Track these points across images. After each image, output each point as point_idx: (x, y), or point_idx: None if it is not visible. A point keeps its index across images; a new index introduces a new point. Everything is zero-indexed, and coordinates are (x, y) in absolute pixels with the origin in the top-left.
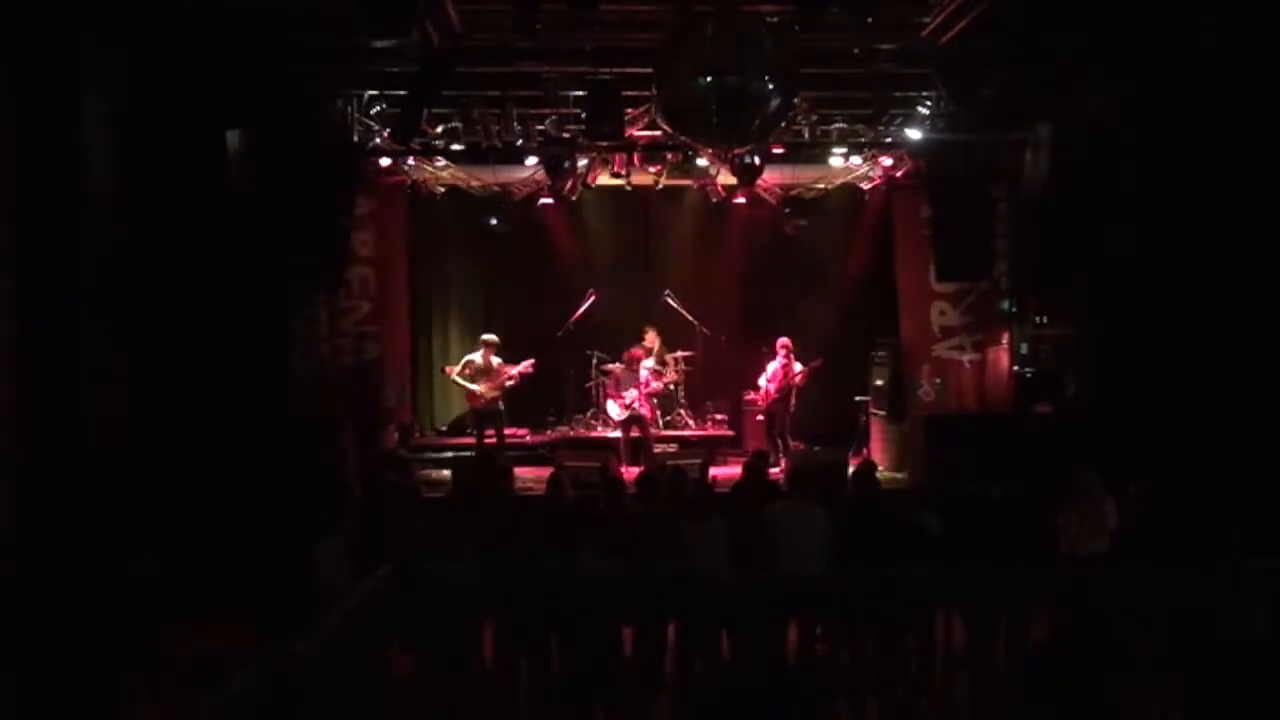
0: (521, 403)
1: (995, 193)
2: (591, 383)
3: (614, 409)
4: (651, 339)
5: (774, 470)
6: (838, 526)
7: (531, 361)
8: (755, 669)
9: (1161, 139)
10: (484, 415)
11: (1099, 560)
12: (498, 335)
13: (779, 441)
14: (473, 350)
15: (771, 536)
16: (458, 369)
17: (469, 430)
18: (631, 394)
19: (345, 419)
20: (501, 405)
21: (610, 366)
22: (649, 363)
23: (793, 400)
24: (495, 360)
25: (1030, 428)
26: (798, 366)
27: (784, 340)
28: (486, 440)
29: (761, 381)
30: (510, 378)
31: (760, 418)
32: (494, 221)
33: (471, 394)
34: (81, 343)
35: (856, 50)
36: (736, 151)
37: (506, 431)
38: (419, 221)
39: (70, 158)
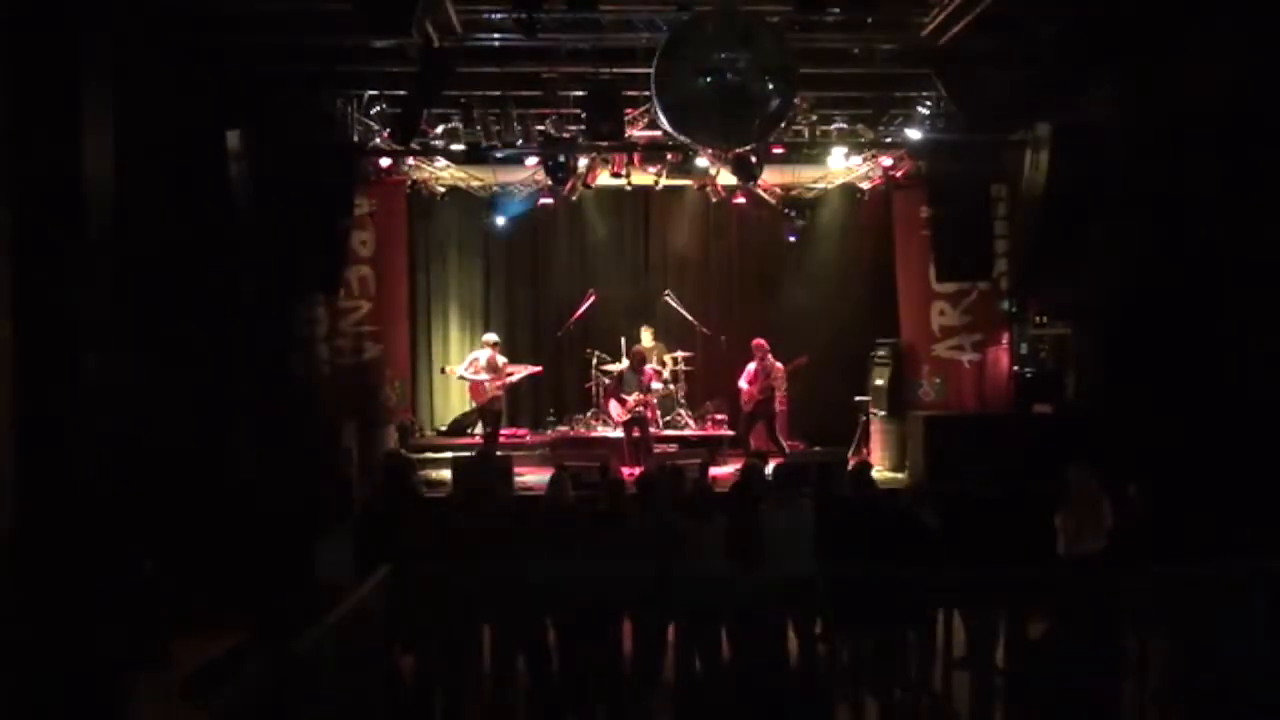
0: (522, 403)
1: (995, 193)
2: (591, 383)
3: (615, 409)
4: (649, 339)
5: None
6: (837, 526)
7: (540, 368)
8: (755, 669)
9: (1161, 139)
10: (488, 413)
11: (1098, 560)
12: (497, 335)
13: (770, 441)
14: (473, 350)
15: (759, 534)
16: (464, 366)
17: (472, 429)
18: (635, 395)
19: (345, 419)
20: (502, 404)
21: (611, 366)
22: (651, 364)
23: (778, 400)
24: (500, 359)
25: (1030, 428)
26: (778, 366)
27: (759, 341)
28: (489, 439)
29: (742, 383)
30: (513, 377)
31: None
32: (500, 221)
33: (477, 390)
34: (80, 343)
35: (856, 50)
36: (736, 151)
37: (507, 431)
38: (419, 221)
39: (69, 158)
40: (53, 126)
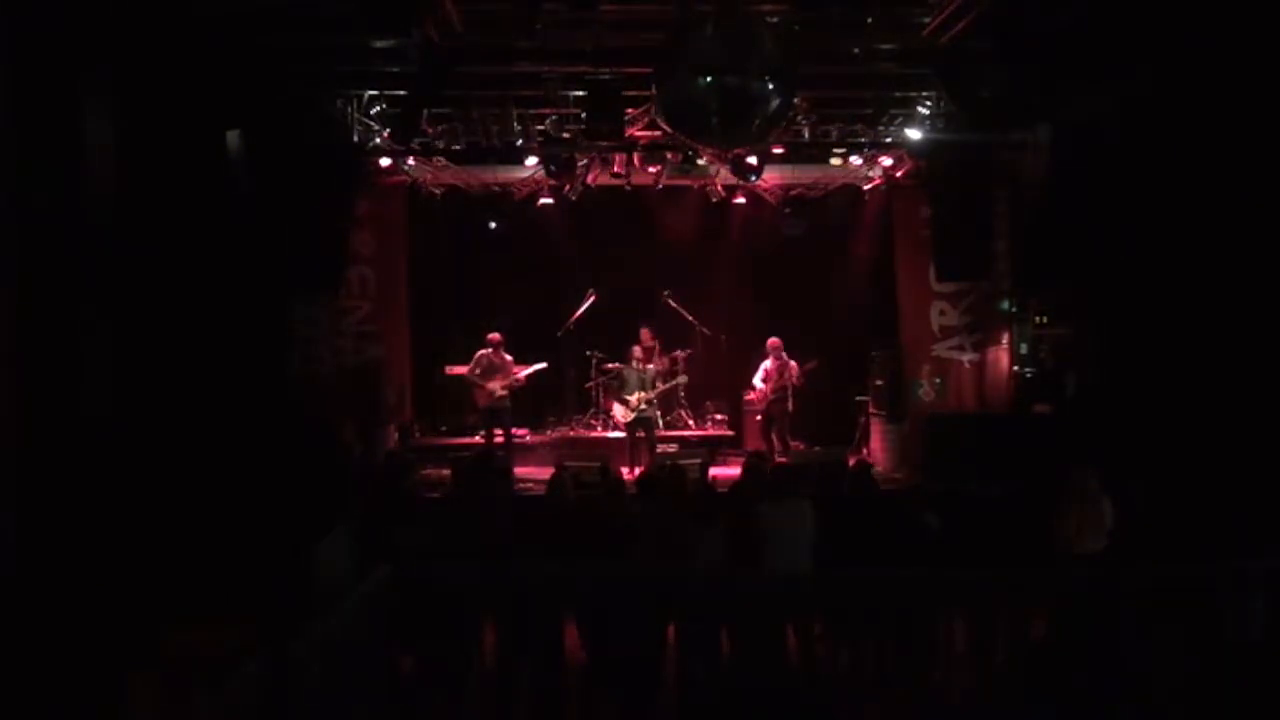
0: (522, 403)
1: (995, 193)
2: (591, 383)
3: (620, 411)
4: (647, 337)
5: None
6: (837, 526)
7: (545, 364)
8: (755, 669)
9: (1161, 139)
10: (492, 413)
11: (1098, 560)
12: (497, 335)
13: (777, 441)
14: (474, 350)
15: (759, 535)
16: (469, 367)
17: (471, 429)
18: (638, 394)
19: (345, 419)
20: (509, 403)
21: (612, 366)
22: (653, 366)
23: (790, 401)
24: (507, 357)
25: (1030, 428)
26: (792, 364)
27: (774, 340)
28: (495, 439)
29: (756, 381)
30: (521, 377)
31: (758, 418)
32: (493, 225)
33: (481, 391)
34: (81, 343)
35: (856, 50)
36: (736, 151)
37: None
38: (419, 221)
39: (70, 158)
40: (53, 127)
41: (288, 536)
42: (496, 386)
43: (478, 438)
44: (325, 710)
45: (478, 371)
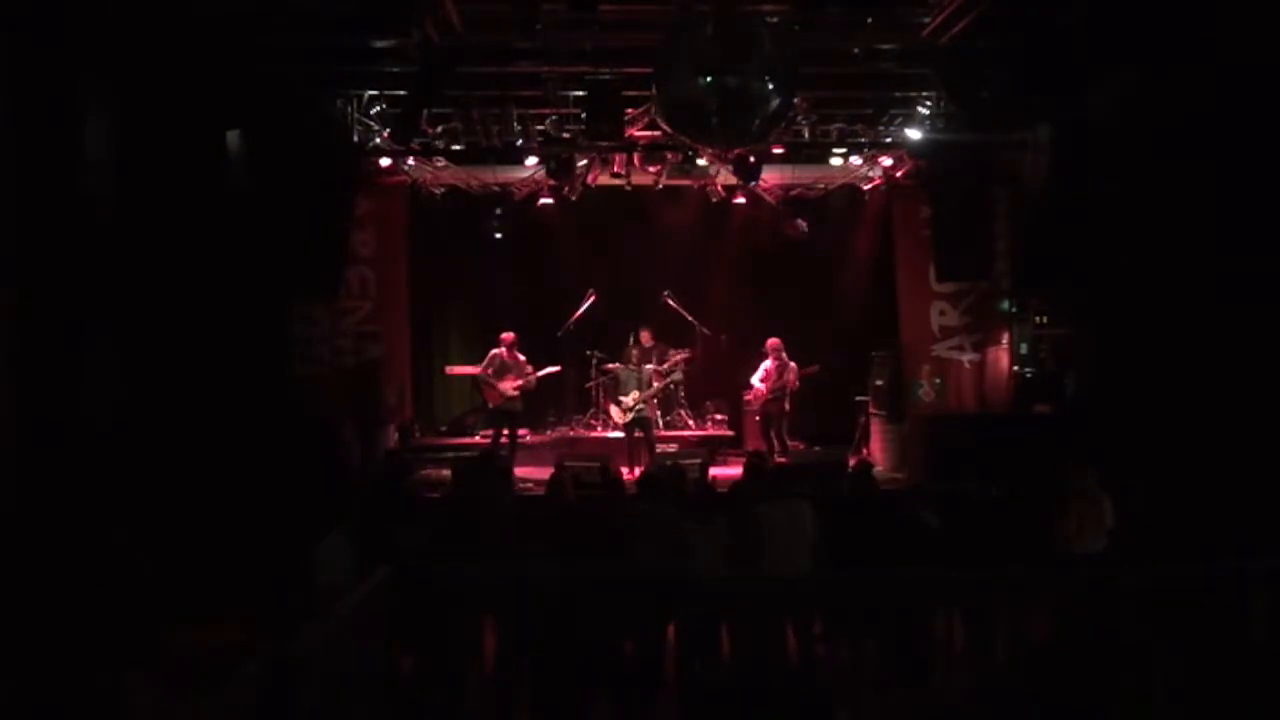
0: (522, 403)
1: (995, 193)
2: (592, 383)
3: (616, 412)
4: (647, 338)
5: None
6: (838, 526)
7: (559, 368)
8: (755, 669)
9: (1161, 138)
10: (501, 414)
11: (1098, 560)
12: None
13: (776, 441)
14: (477, 349)
15: (758, 535)
16: (481, 366)
17: (472, 429)
18: (634, 394)
19: (345, 419)
20: (520, 405)
21: (610, 367)
22: (649, 365)
23: (786, 401)
24: (520, 356)
25: (1030, 428)
26: (792, 366)
27: (774, 341)
28: (502, 440)
29: (755, 380)
30: (536, 377)
31: (757, 418)
32: (498, 236)
33: (493, 391)
34: (81, 343)
35: (856, 50)
36: (736, 151)
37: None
38: (419, 221)
39: (70, 158)
40: (54, 127)
41: (288, 536)
42: (509, 386)
43: (478, 437)
44: (325, 710)
45: (490, 370)
